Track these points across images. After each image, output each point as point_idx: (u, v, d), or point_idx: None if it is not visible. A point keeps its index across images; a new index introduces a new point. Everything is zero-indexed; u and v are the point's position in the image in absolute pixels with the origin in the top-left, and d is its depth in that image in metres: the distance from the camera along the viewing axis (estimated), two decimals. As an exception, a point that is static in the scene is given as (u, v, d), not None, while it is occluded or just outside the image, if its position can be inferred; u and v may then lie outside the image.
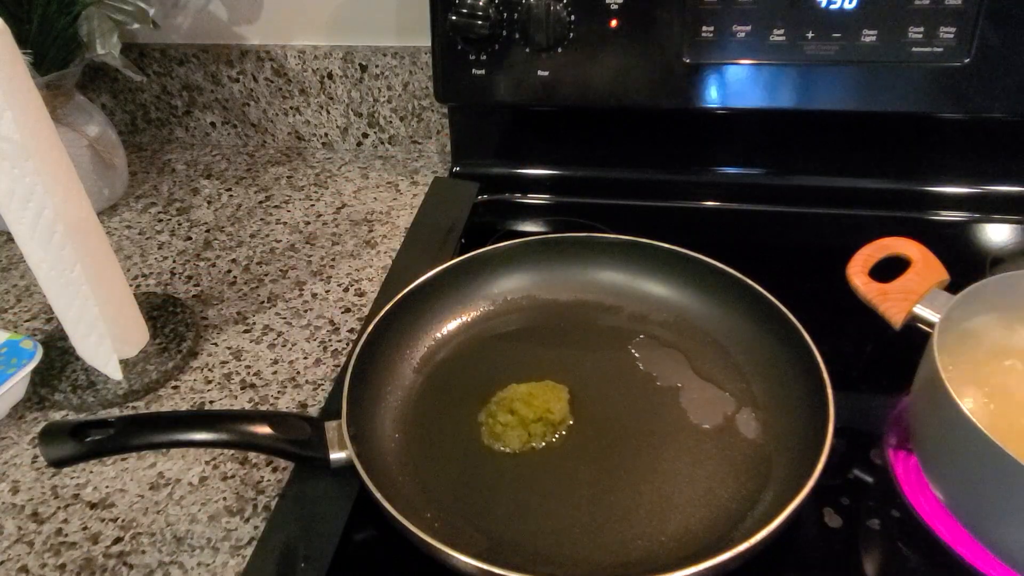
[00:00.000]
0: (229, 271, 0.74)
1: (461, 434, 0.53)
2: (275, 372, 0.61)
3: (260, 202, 0.85)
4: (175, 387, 0.60)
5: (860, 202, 0.77)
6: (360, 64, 0.89)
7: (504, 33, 0.71)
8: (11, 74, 0.49)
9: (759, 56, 0.69)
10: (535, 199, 0.83)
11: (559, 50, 0.71)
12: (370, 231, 0.79)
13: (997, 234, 0.74)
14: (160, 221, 0.83)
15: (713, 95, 0.72)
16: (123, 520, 0.50)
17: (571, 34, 0.70)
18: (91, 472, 0.53)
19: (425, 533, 0.40)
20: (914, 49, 0.66)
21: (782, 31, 0.67)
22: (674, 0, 0.68)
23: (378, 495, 0.43)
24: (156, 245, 0.78)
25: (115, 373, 0.59)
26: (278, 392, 0.59)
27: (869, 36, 0.66)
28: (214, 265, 0.75)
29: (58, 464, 0.47)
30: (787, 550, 0.45)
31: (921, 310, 0.52)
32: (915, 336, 0.51)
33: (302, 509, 0.48)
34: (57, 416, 0.58)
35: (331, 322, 0.66)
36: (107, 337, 0.58)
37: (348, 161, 0.93)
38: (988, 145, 0.75)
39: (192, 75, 0.93)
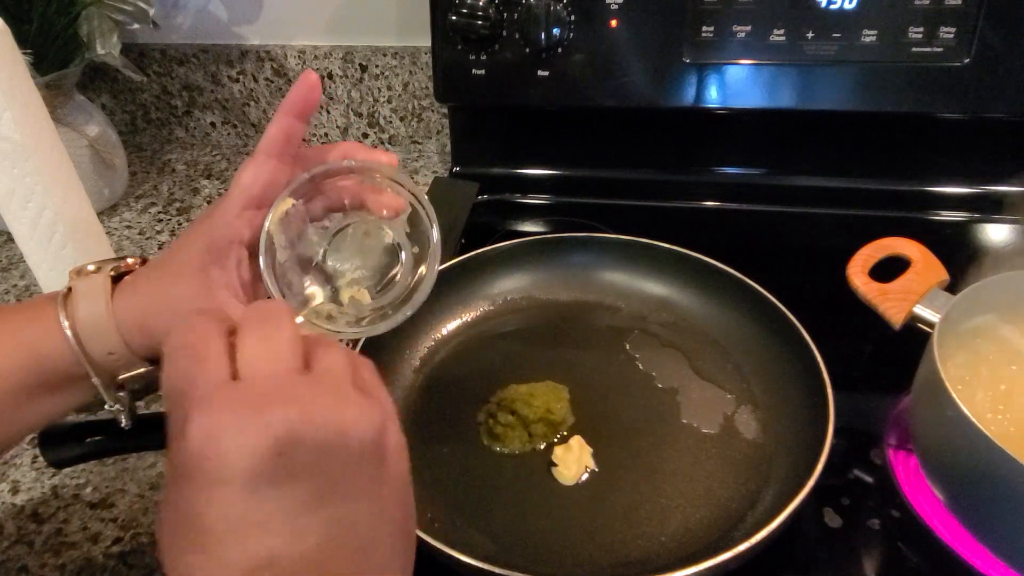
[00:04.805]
0: (229, 271, 0.73)
1: (461, 434, 0.53)
2: (275, 372, 0.61)
3: (260, 202, 0.85)
4: (175, 387, 0.60)
5: (860, 202, 0.77)
6: (360, 64, 0.89)
7: (504, 33, 0.71)
8: (11, 74, 0.49)
9: (759, 56, 0.69)
10: (535, 199, 0.83)
11: (559, 50, 0.71)
12: (370, 231, 0.78)
13: (997, 234, 0.74)
14: (160, 221, 0.83)
15: (713, 95, 0.72)
16: (123, 520, 0.50)
17: (571, 34, 0.70)
18: (91, 472, 0.53)
19: (425, 533, 0.40)
20: (914, 49, 0.66)
21: (782, 31, 0.67)
22: (674, 0, 0.68)
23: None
24: (156, 245, 0.78)
25: (115, 373, 0.59)
26: (278, 392, 0.59)
27: (869, 36, 0.66)
28: (214, 265, 0.74)
29: (58, 465, 0.47)
30: (787, 550, 0.45)
31: (921, 310, 0.52)
32: (915, 336, 0.51)
33: (302, 509, 0.48)
34: (57, 416, 0.58)
35: (331, 322, 0.66)
36: (107, 337, 0.58)
37: (348, 161, 0.93)
38: (988, 145, 0.75)
39: (192, 75, 0.93)
